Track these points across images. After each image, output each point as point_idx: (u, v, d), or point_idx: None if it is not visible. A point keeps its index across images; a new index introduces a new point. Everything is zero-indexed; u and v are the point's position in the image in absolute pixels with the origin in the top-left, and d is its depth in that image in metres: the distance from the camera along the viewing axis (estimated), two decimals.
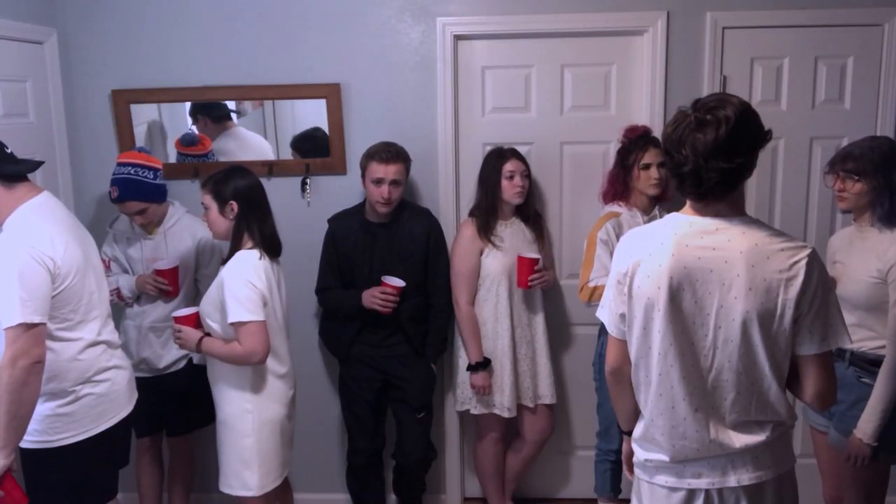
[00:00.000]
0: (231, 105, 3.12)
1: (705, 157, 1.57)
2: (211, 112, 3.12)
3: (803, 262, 1.58)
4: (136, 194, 2.70)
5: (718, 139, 1.56)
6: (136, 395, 2.37)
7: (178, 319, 2.44)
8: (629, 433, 1.92)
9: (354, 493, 3.10)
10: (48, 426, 2.12)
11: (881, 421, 2.19)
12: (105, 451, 2.24)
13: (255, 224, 2.39)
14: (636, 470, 1.83)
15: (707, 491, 1.68)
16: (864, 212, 2.30)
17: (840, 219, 3.04)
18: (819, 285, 1.59)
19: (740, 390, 1.64)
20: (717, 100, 1.61)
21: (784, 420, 1.68)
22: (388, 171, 2.77)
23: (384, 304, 2.77)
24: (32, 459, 2.14)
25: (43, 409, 2.10)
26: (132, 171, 2.71)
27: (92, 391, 2.18)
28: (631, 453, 1.94)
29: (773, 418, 1.67)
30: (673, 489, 1.72)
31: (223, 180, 2.40)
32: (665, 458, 1.71)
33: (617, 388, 1.87)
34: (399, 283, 2.77)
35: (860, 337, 2.25)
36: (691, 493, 1.70)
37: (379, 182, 2.77)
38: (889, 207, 2.22)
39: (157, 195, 2.76)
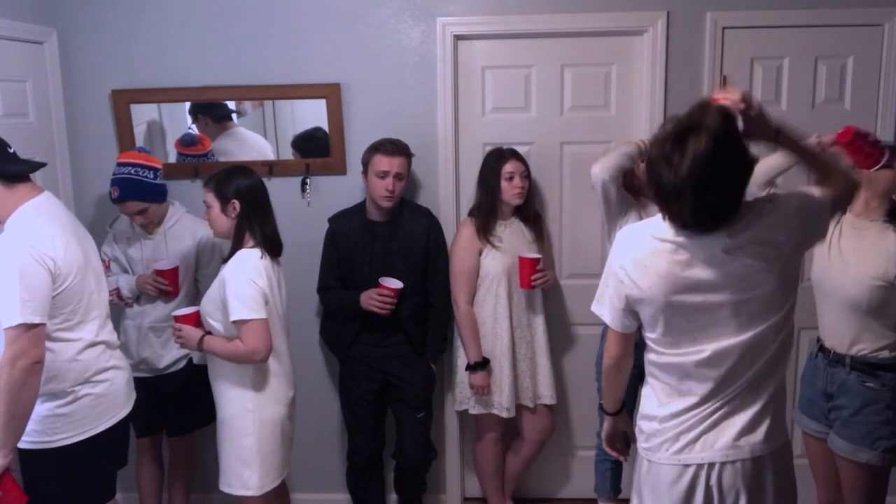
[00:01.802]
0: (231, 105, 3.12)
1: (697, 206, 1.57)
2: (211, 112, 3.12)
3: (775, 198, 1.67)
4: (136, 194, 2.70)
5: (697, 207, 1.56)
6: (134, 396, 2.37)
7: (178, 318, 2.44)
8: (615, 413, 1.98)
9: (354, 493, 3.10)
10: (47, 426, 2.12)
11: None
12: (104, 451, 2.24)
13: (256, 223, 2.40)
14: (641, 450, 1.85)
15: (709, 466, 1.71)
16: (877, 202, 2.22)
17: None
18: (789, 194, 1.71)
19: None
20: (693, 163, 1.52)
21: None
22: (393, 163, 2.78)
23: (381, 305, 2.77)
24: (31, 460, 2.14)
25: (42, 409, 2.10)
26: (132, 171, 2.71)
27: (91, 391, 2.18)
28: (612, 433, 2.00)
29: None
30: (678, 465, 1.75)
31: (225, 179, 2.40)
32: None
33: (615, 378, 1.92)
34: (397, 284, 2.77)
35: (861, 342, 2.23)
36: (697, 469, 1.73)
37: (384, 175, 2.78)
38: None
39: (158, 195, 2.76)
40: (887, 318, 2.19)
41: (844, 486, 2.34)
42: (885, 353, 2.20)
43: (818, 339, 2.40)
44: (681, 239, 1.65)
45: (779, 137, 1.70)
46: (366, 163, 2.85)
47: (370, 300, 2.78)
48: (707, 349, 1.67)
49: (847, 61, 2.99)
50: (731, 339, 1.66)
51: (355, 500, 3.12)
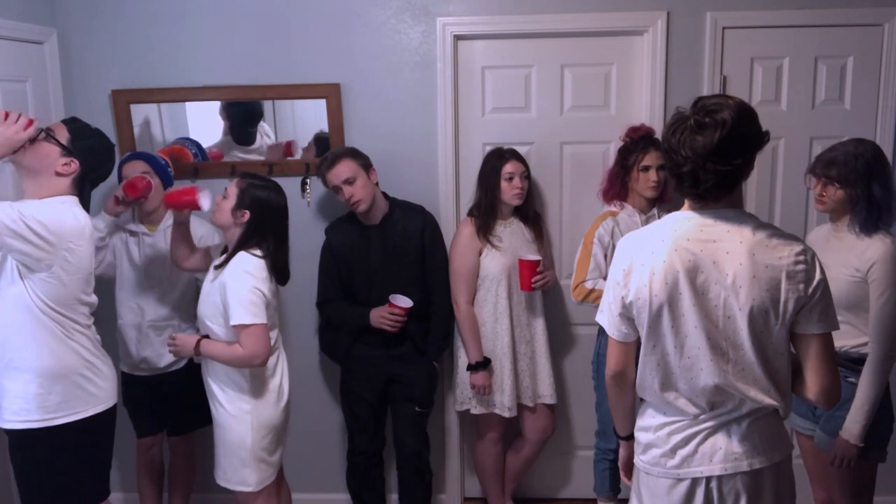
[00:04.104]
0: (259, 136, 3.14)
1: (703, 159, 1.59)
2: (237, 130, 3.13)
3: (811, 254, 1.64)
4: (146, 158, 2.78)
5: (716, 142, 1.57)
6: (116, 392, 2.39)
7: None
8: (626, 438, 1.93)
9: (355, 494, 3.10)
10: (39, 405, 2.14)
11: (867, 421, 2.18)
12: (93, 438, 2.26)
13: (270, 244, 2.39)
14: (638, 461, 1.84)
15: (707, 480, 1.70)
16: (842, 215, 2.30)
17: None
18: (825, 275, 1.65)
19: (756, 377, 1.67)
20: (716, 102, 1.61)
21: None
22: (335, 174, 2.79)
23: (392, 324, 2.79)
24: (25, 440, 2.17)
25: (35, 388, 2.13)
26: (147, 151, 2.84)
27: (84, 373, 2.22)
28: (627, 459, 1.95)
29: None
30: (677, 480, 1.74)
31: (255, 186, 2.40)
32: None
33: (618, 392, 1.88)
34: (407, 303, 2.78)
35: (842, 337, 2.22)
36: (693, 482, 1.72)
37: (336, 190, 2.81)
38: (866, 216, 2.22)
39: (164, 171, 2.80)
40: (865, 313, 2.23)
41: (831, 481, 2.36)
42: (867, 349, 2.23)
43: None
44: (681, 241, 1.65)
45: None
46: (325, 185, 2.89)
47: (381, 319, 2.79)
48: (702, 358, 1.67)
49: (847, 61, 2.99)
50: (727, 348, 1.66)
51: (355, 499, 3.12)
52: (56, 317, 2.14)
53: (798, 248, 1.63)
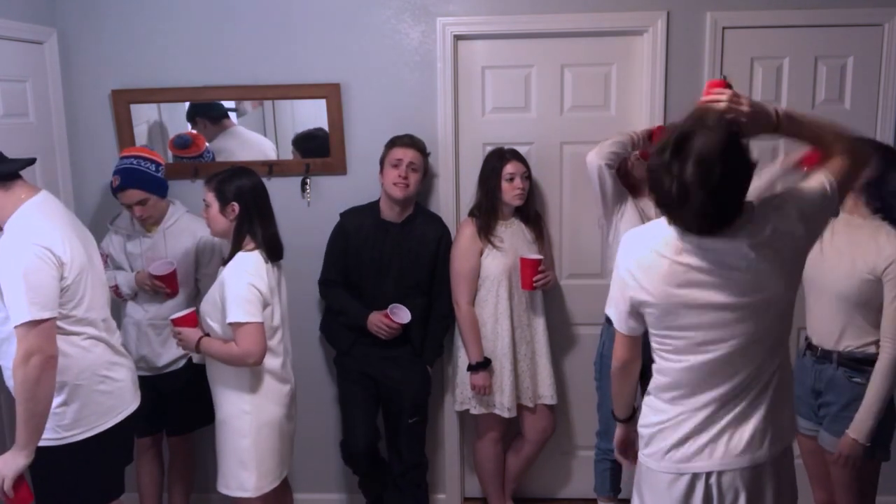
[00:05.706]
0: (228, 104, 3.12)
1: (702, 210, 1.55)
2: (208, 113, 3.12)
3: (780, 200, 1.66)
4: (137, 182, 2.71)
5: (706, 200, 1.53)
6: (139, 393, 2.38)
7: (176, 322, 2.45)
8: (625, 420, 1.96)
9: (353, 467, 3.07)
10: (55, 423, 2.12)
11: (876, 420, 2.19)
12: (113, 447, 2.25)
13: (256, 226, 2.40)
14: (640, 456, 1.85)
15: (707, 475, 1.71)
16: (855, 201, 2.28)
17: None
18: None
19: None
20: (697, 166, 1.51)
21: None
22: (407, 153, 2.83)
23: (388, 334, 2.82)
24: (41, 457, 2.15)
25: (55, 406, 2.11)
26: (134, 162, 2.73)
27: (98, 388, 2.19)
28: (623, 439, 1.98)
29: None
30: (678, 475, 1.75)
31: (227, 180, 2.41)
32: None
33: (623, 382, 1.91)
34: (405, 318, 2.80)
35: (847, 336, 2.25)
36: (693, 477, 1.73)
37: (397, 163, 2.82)
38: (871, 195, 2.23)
39: (158, 187, 2.77)
40: (873, 313, 2.22)
41: (835, 482, 2.36)
42: (872, 349, 2.22)
43: (806, 338, 2.43)
44: (684, 243, 1.65)
45: (779, 128, 1.65)
46: (383, 158, 2.88)
47: (377, 325, 2.81)
48: (708, 354, 1.67)
49: (847, 61, 2.99)
50: (732, 345, 1.66)
51: (355, 471, 3.08)
52: (69, 321, 2.11)
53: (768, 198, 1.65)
